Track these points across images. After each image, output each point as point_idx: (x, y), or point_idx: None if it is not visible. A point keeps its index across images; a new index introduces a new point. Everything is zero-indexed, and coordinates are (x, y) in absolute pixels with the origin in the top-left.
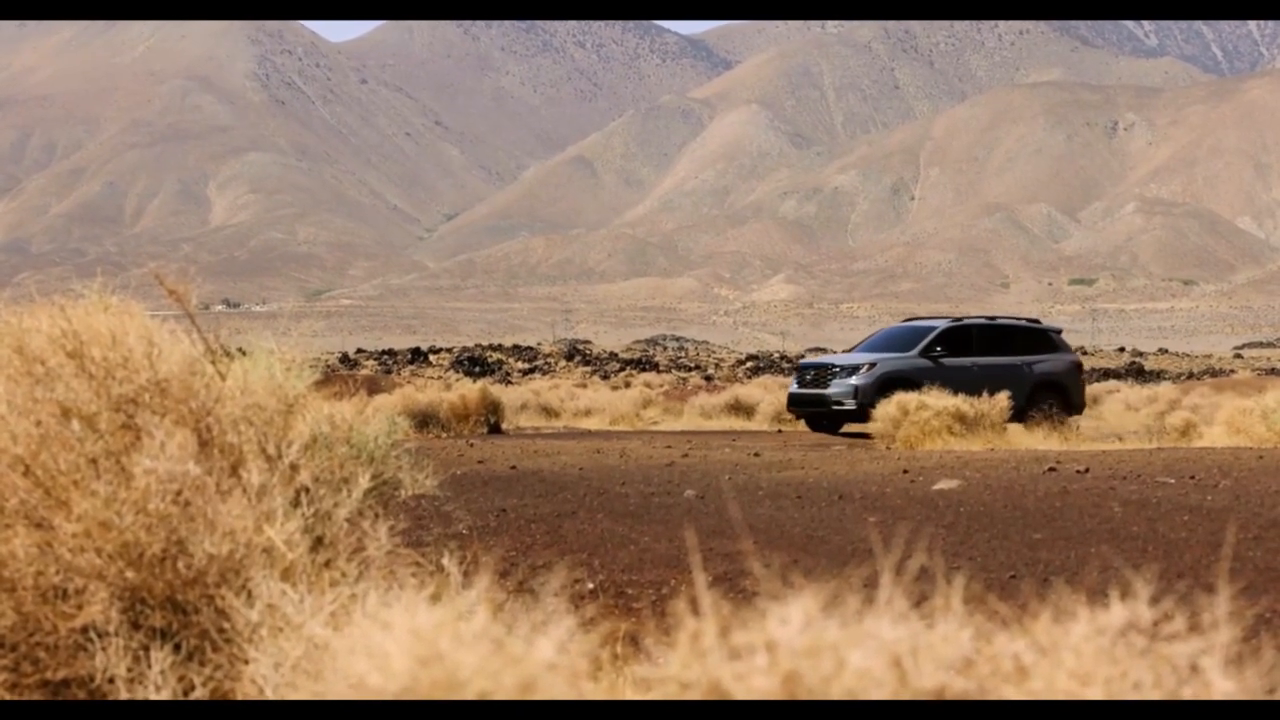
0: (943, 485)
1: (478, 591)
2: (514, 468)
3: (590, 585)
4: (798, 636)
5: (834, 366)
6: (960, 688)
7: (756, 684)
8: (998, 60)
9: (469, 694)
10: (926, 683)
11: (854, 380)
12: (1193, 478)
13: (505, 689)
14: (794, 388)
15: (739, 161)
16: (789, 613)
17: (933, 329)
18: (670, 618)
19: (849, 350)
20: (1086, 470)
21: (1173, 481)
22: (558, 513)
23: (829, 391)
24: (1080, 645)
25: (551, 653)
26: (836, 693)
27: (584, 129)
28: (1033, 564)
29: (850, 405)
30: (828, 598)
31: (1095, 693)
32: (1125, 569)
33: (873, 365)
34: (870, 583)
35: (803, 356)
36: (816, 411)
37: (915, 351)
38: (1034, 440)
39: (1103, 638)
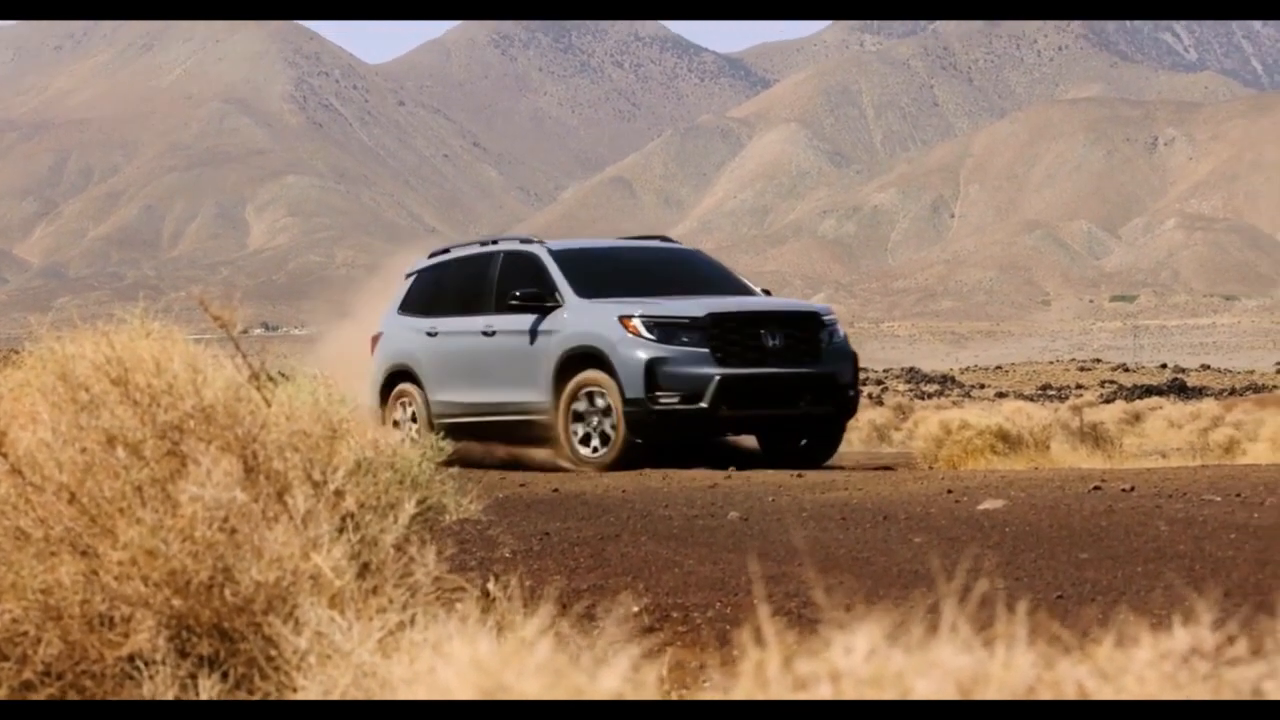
0: (987, 505)
1: (539, 621)
2: (556, 490)
3: (635, 609)
4: (862, 665)
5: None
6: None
7: None
8: (1037, 76)
9: None
10: None
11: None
12: (1238, 495)
13: None
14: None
15: (778, 181)
16: (853, 641)
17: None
18: (727, 646)
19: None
20: (1132, 489)
21: (1218, 499)
22: (601, 535)
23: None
24: (1143, 671)
25: (616, 683)
26: None
27: (622, 149)
28: (1079, 584)
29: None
30: (891, 625)
31: None
32: (1178, 588)
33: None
34: (932, 609)
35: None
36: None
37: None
38: (1077, 458)
39: (1166, 663)
